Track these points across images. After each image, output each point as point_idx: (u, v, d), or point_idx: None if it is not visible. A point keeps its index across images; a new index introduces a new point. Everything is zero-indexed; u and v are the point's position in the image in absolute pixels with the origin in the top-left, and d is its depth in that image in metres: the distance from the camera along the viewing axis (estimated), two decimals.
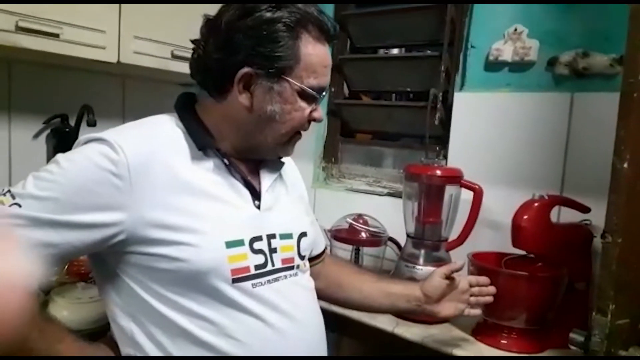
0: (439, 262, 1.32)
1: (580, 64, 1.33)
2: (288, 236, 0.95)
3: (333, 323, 1.39)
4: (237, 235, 0.85)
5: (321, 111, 0.92)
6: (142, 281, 0.81)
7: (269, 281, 0.88)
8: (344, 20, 1.93)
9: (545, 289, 1.17)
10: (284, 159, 1.00)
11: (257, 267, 0.87)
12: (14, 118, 1.50)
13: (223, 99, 0.88)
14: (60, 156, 0.79)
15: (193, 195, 0.82)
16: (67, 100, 1.55)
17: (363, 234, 1.50)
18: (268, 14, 0.83)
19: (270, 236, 0.91)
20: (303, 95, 0.87)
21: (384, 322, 1.28)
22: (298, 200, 1.07)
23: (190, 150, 0.85)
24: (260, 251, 0.88)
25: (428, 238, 1.35)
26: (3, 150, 1.46)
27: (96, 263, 0.86)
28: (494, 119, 1.50)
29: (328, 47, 0.89)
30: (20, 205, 0.74)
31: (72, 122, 1.54)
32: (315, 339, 0.94)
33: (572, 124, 1.37)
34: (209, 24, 0.88)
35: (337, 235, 1.52)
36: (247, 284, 0.84)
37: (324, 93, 0.90)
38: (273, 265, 0.90)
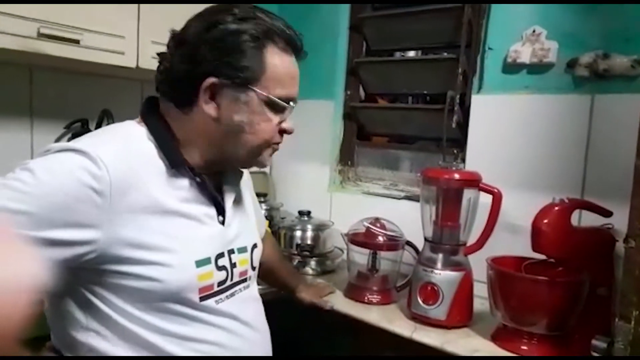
0: (457, 266, 1.31)
1: (601, 66, 1.31)
2: (244, 250, 0.97)
3: (349, 328, 1.39)
4: (204, 254, 0.87)
5: (291, 123, 0.92)
6: (107, 298, 0.79)
7: (227, 296, 0.91)
8: (360, 23, 1.93)
9: (566, 295, 1.15)
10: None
11: (219, 283, 0.89)
12: (36, 122, 1.53)
13: (190, 110, 0.87)
14: (34, 165, 0.73)
15: (166, 215, 0.82)
16: (87, 105, 1.58)
17: (380, 238, 1.49)
18: (233, 26, 0.84)
19: (230, 251, 0.93)
20: (271, 105, 0.87)
21: (402, 327, 1.27)
22: (251, 206, 1.09)
23: (164, 169, 0.85)
24: (223, 267, 0.90)
25: (446, 242, 1.34)
26: (26, 154, 1.49)
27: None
28: (513, 121, 1.48)
29: (294, 59, 0.91)
30: None
31: (92, 127, 1.57)
32: (268, 346, 1.01)
33: (592, 126, 1.35)
34: (176, 37, 0.88)
35: (354, 239, 1.51)
36: (211, 301, 0.87)
37: (291, 103, 0.90)
38: (232, 279, 0.92)
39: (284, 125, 0.91)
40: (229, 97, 0.85)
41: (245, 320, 0.92)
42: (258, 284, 1.07)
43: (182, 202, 0.85)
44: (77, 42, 1.26)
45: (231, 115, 0.86)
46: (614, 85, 1.31)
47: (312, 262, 1.71)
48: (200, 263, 0.85)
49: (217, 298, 0.88)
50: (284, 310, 1.45)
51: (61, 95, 1.57)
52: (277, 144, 0.93)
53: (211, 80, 0.84)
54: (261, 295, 1.04)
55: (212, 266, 0.87)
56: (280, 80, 0.87)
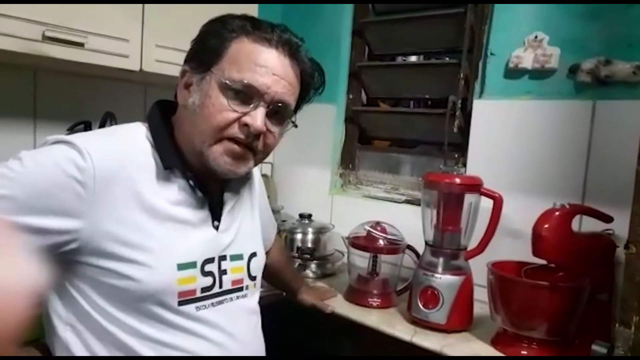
0: (457, 270, 1.31)
1: (603, 72, 1.31)
2: (238, 257, 0.95)
3: (349, 331, 1.39)
4: (189, 258, 0.85)
5: (259, 119, 0.83)
6: (87, 294, 0.80)
7: (212, 304, 0.88)
8: (362, 28, 1.94)
9: (567, 300, 1.15)
10: (254, 173, 1.02)
11: (203, 289, 0.87)
12: (39, 125, 1.54)
13: (179, 107, 0.90)
14: (24, 154, 0.75)
15: (152, 215, 0.81)
16: (91, 108, 1.59)
17: (381, 242, 1.49)
18: (218, 24, 0.86)
19: (221, 258, 0.91)
20: (225, 89, 0.82)
21: (402, 331, 1.27)
22: (257, 215, 1.08)
23: (157, 168, 0.84)
24: (209, 273, 0.88)
25: (447, 246, 1.34)
26: None
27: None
28: (514, 126, 1.49)
29: (275, 52, 0.85)
30: None
31: (95, 129, 1.57)
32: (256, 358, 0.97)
33: (593, 132, 1.35)
34: None
35: (354, 242, 1.51)
36: (191, 307, 0.85)
37: (261, 101, 0.83)
38: (221, 287, 0.90)
39: (246, 119, 0.83)
40: (194, 83, 0.86)
41: (231, 331, 0.89)
42: (261, 286, 1.06)
43: (172, 204, 0.84)
44: (81, 45, 1.26)
45: (189, 99, 0.86)
46: (615, 92, 1.32)
47: (313, 265, 1.71)
48: (182, 266, 0.83)
49: (198, 304, 0.86)
50: (284, 314, 1.45)
51: (64, 98, 1.57)
52: (238, 141, 0.84)
53: (183, 67, 0.88)
54: (261, 298, 1.03)
55: (196, 271, 0.86)
56: (238, 63, 0.83)
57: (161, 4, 1.42)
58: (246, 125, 0.83)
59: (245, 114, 0.83)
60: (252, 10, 1.57)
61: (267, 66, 0.84)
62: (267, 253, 1.23)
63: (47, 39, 1.21)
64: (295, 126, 0.93)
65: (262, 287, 1.07)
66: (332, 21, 1.96)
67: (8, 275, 0.41)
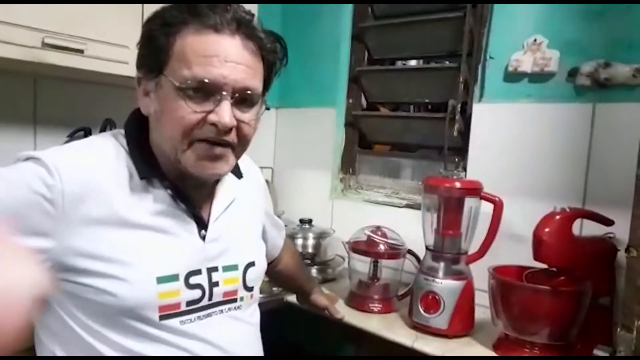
0: (458, 275, 1.31)
1: (602, 75, 1.31)
2: (233, 268, 0.90)
3: (350, 337, 1.39)
4: (170, 270, 0.81)
5: (225, 115, 0.77)
6: (68, 309, 0.78)
7: (199, 317, 0.84)
8: (362, 32, 1.94)
9: (568, 304, 1.14)
10: (245, 176, 0.97)
11: (189, 303, 0.83)
12: (39, 131, 1.54)
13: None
14: None
15: (128, 228, 0.78)
16: (91, 114, 1.59)
17: (381, 246, 1.49)
18: (157, 20, 0.80)
19: (212, 269, 0.87)
20: (180, 90, 0.76)
21: (403, 336, 1.27)
22: (257, 222, 1.04)
23: (132, 180, 0.81)
24: (197, 286, 0.84)
25: (447, 251, 1.34)
26: None
27: None
28: (514, 130, 1.49)
29: (222, 37, 0.77)
30: None
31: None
32: None
33: (593, 135, 1.35)
34: None
35: (355, 247, 1.51)
36: (175, 321, 0.81)
37: (223, 93, 0.77)
38: (210, 299, 0.86)
39: (211, 117, 0.77)
40: (151, 89, 0.81)
41: (219, 344, 0.85)
42: (262, 292, 1.04)
43: (151, 215, 0.81)
44: (81, 52, 1.27)
45: (150, 107, 0.81)
46: (615, 94, 1.31)
47: (314, 270, 1.70)
48: (162, 279, 0.79)
49: (183, 318, 0.82)
50: (285, 320, 1.45)
51: (64, 104, 1.58)
52: (211, 141, 0.79)
53: (136, 75, 0.83)
54: (263, 303, 1.02)
55: (179, 283, 0.81)
56: (187, 61, 0.76)
57: None
58: (213, 124, 0.77)
59: (209, 112, 0.77)
60: (251, 10, 1.57)
61: (217, 55, 0.77)
62: (277, 259, 1.22)
63: (46, 46, 1.21)
64: (268, 108, 0.86)
65: (263, 293, 1.05)
66: (332, 26, 1.96)
67: (8, 277, 0.41)
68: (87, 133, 1.58)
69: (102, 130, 1.56)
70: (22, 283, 0.42)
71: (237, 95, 0.79)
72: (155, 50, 0.79)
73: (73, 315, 0.78)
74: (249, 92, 0.80)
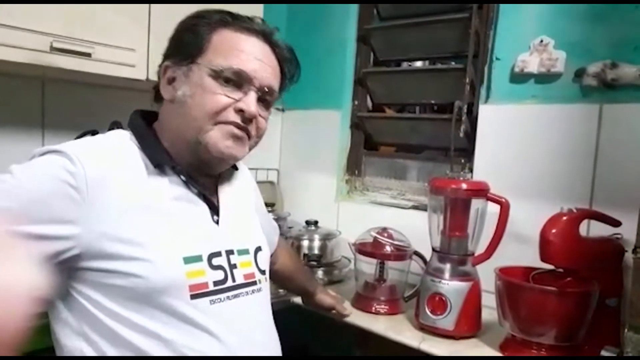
0: (465, 276, 1.31)
1: (609, 75, 1.31)
2: (245, 252, 0.94)
3: (356, 339, 1.39)
4: (194, 251, 0.84)
5: (252, 105, 0.86)
6: (95, 299, 0.78)
7: (228, 297, 0.86)
8: (367, 34, 1.94)
9: (575, 305, 1.14)
10: (240, 170, 1.03)
11: (215, 283, 0.85)
12: (47, 134, 1.55)
13: (161, 105, 0.91)
14: (14, 167, 0.76)
15: (150, 212, 0.81)
16: (98, 117, 1.60)
17: (388, 248, 1.49)
18: (197, 19, 0.89)
19: (229, 252, 0.90)
20: (214, 77, 0.85)
21: (410, 338, 1.27)
22: (254, 212, 1.08)
23: (147, 168, 0.85)
24: (219, 267, 0.87)
25: (454, 252, 1.33)
26: None
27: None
28: (520, 131, 1.48)
29: (256, 39, 0.89)
30: None
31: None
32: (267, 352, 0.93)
33: (600, 136, 1.35)
34: None
35: (361, 249, 1.51)
36: (205, 300, 0.83)
37: (252, 87, 0.86)
38: (234, 281, 0.89)
39: (240, 104, 0.86)
40: (179, 76, 0.87)
41: (244, 331, 0.87)
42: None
43: (168, 200, 0.85)
44: (88, 55, 1.28)
45: (178, 92, 0.87)
46: (622, 95, 1.31)
47: (320, 272, 1.71)
48: (189, 260, 0.82)
49: (212, 298, 0.84)
50: (292, 320, 1.45)
51: (72, 107, 1.59)
52: (235, 125, 0.86)
53: (165, 63, 0.90)
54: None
55: (204, 264, 0.84)
56: (223, 52, 0.86)
57: (167, 14, 1.43)
58: (241, 110, 0.86)
59: (238, 100, 0.86)
60: (257, 10, 1.58)
61: (251, 52, 0.87)
62: (273, 256, 1.22)
63: (54, 49, 1.22)
64: (283, 110, 0.97)
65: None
66: (337, 28, 1.97)
67: (8, 277, 0.41)
68: (95, 135, 1.59)
69: None
70: (21, 283, 0.41)
71: (263, 89, 0.89)
72: (194, 40, 0.86)
73: (99, 305, 0.78)
74: (270, 90, 0.90)
